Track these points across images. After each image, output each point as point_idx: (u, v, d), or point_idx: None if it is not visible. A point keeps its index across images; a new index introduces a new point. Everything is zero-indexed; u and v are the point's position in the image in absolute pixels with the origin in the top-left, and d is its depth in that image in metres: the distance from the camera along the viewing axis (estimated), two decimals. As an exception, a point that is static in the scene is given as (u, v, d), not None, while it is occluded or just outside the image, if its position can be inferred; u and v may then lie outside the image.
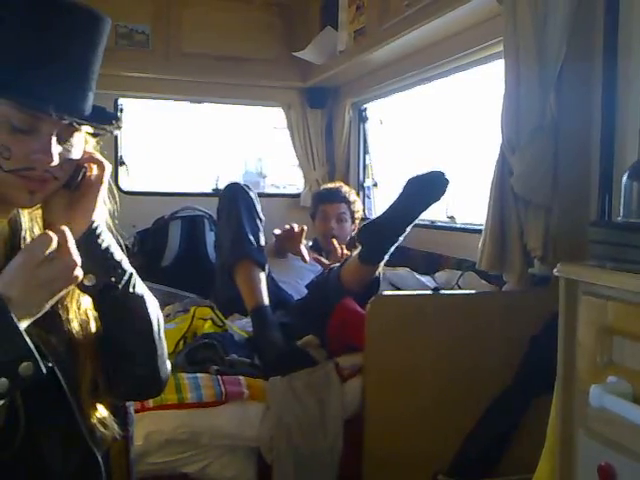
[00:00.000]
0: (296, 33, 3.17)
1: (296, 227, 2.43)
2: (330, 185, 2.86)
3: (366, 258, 1.95)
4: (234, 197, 2.33)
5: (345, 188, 2.75)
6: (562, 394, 0.95)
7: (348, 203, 2.69)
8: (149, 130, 3.92)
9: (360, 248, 1.98)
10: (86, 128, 0.89)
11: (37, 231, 0.94)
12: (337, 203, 2.68)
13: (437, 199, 1.88)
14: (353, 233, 2.70)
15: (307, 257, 2.40)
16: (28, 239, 0.93)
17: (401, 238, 1.93)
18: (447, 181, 1.83)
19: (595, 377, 0.85)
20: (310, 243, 2.75)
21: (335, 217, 2.66)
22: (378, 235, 1.92)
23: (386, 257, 1.96)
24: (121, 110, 3.23)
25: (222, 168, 3.82)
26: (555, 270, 0.94)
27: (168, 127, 4.21)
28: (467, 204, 2.42)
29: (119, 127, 0.91)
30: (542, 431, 1.08)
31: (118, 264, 0.92)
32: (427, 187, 1.86)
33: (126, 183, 3.27)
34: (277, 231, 2.43)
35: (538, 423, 1.14)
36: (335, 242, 2.52)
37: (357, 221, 2.73)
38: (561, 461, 0.96)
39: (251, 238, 2.25)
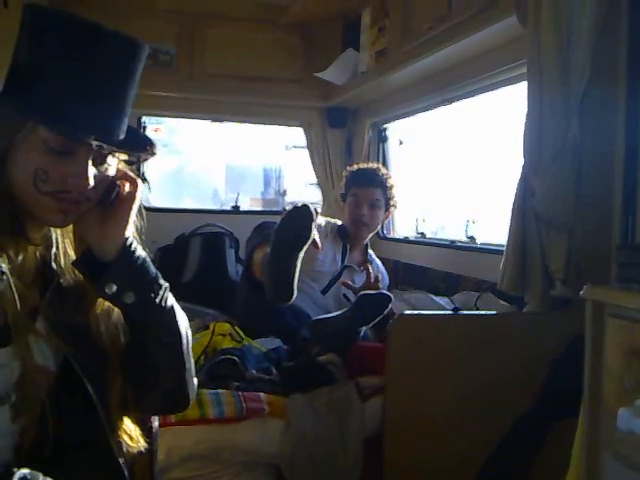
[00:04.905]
0: (318, 54, 3.20)
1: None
2: (366, 166, 2.57)
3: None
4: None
5: (383, 171, 2.51)
6: (588, 417, 0.95)
7: (384, 188, 2.44)
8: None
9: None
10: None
11: (68, 246, 0.96)
12: (372, 188, 2.42)
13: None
14: (386, 221, 2.56)
15: (319, 243, 1.92)
16: (61, 255, 0.94)
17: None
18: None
19: (623, 400, 0.84)
20: (338, 222, 2.55)
21: (368, 203, 2.42)
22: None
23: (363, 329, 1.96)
24: (144, 128, 3.29)
25: (242, 186, 3.86)
26: (582, 292, 0.94)
27: (189, 143, 4.27)
28: (488, 224, 2.41)
29: (154, 153, 0.91)
30: (565, 455, 1.07)
31: (154, 279, 0.92)
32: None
33: (148, 199, 3.31)
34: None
35: (560, 447, 1.14)
36: (370, 268, 2.32)
37: (392, 208, 2.51)
38: (587, 484, 0.95)
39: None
